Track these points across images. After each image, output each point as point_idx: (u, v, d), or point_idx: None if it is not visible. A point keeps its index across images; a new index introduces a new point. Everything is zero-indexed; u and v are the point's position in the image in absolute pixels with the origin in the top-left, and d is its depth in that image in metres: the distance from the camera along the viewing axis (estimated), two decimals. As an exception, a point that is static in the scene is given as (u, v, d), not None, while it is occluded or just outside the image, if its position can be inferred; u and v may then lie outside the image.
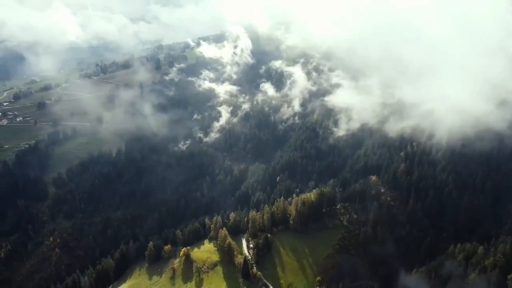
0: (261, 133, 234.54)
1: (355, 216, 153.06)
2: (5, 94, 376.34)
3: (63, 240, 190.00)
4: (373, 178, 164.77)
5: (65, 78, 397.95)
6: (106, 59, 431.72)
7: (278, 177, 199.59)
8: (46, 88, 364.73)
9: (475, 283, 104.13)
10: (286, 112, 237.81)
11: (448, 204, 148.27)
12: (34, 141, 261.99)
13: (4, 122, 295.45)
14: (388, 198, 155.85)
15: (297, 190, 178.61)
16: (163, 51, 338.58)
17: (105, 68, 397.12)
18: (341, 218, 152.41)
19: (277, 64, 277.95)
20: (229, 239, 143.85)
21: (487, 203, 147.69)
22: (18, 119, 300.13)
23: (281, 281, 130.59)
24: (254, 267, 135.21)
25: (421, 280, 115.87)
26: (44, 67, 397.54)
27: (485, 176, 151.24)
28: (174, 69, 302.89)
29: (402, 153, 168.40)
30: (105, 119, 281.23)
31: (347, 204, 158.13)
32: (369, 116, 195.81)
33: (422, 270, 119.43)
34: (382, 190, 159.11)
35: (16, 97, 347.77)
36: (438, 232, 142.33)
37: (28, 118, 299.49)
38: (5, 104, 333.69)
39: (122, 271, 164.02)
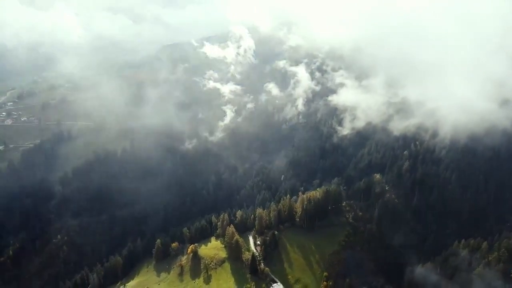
0: (265, 132, 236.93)
1: (360, 213, 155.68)
2: (8, 94, 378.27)
3: (71, 238, 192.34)
4: (377, 176, 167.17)
5: (67, 78, 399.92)
6: (108, 59, 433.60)
7: (283, 175, 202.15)
8: (50, 88, 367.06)
9: (480, 277, 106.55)
10: (290, 111, 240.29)
11: (452, 201, 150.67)
12: (39, 141, 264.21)
13: (9, 122, 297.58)
14: (393, 196, 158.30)
15: (302, 188, 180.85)
16: (166, 51, 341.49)
17: (107, 69, 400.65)
18: (347, 216, 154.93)
19: (280, 64, 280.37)
20: (236, 236, 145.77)
21: (490, 201, 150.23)
22: (22, 119, 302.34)
23: (289, 277, 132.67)
24: (262, 263, 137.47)
25: (427, 275, 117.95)
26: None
27: (488, 174, 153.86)
28: (179, 69, 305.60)
29: (406, 152, 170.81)
30: (110, 118, 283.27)
31: (352, 201, 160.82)
32: (373, 115, 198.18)
33: (427, 265, 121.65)
34: (387, 188, 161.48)
35: (20, 97, 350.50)
36: (442, 229, 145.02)
37: (33, 118, 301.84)
38: (9, 104, 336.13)
39: (130, 268, 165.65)
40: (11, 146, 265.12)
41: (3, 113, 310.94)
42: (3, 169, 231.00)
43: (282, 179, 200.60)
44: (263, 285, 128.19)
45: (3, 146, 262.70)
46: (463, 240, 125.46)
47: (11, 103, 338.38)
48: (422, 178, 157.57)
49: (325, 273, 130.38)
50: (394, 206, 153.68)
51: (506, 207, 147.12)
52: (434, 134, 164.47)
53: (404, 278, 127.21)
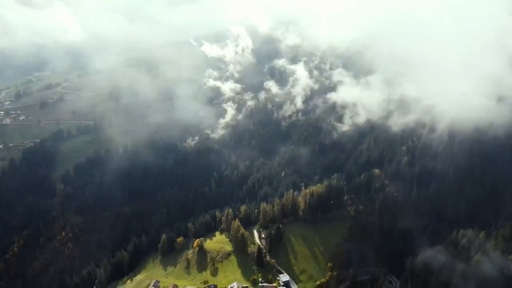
0: (265, 129, 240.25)
1: (362, 206, 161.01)
2: (3, 93, 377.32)
3: (75, 234, 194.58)
4: (377, 171, 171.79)
5: (64, 77, 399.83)
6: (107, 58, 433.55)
7: (283, 172, 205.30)
8: (47, 87, 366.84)
9: (479, 264, 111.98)
10: (289, 109, 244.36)
11: (449, 194, 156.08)
12: (39, 140, 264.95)
13: (8, 121, 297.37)
14: (392, 190, 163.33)
15: (302, 184, 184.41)
16: (166, 50, 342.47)
17: (103, 67, 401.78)
18: (348, 209, 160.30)
19: (280, 62, 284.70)
20: (242, 230, 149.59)
21: (485, 193, 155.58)
22: (21, 118, 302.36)
23: (295, 268, 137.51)
24: (268, 256, 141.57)
25: (427, 264, 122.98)
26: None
27: (483, 168, 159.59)
28: (178, 68, 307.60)
29: (404, 147, 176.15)
30: (109, 117, 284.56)
31: (353, 195, 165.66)
32: (371, 112, 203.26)
33: (428, 254, 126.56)
34: (386, 182, 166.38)
35: (18, 96, 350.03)
36: (440, 221, 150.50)
37: (31, 117, 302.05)
38: (6, 103, 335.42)
39: (136, 263, 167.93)
40: (11, 145, 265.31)
41: (1, 112, 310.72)
42: (4, 167, 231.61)
43: (282, 175, 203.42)
44: (270, 276, 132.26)
45: (2, 145, 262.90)
46: (461, 230, 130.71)
47: (8, 102, 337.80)
48: (421, 173, 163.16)
49: (329, 264, 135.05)
50: (394, 200, 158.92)
51: (501, 199, 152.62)
52: (432, 130, 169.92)
53: (405, 268, 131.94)
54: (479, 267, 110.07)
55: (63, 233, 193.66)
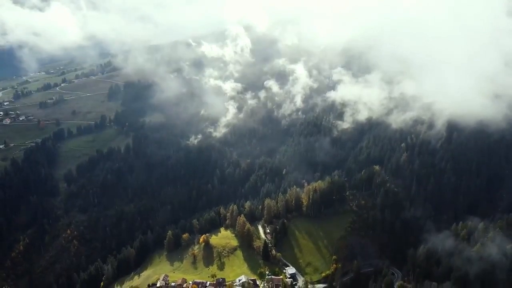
0: (266, 128, 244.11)
1: (363, 202, 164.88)
2: (1, 94, 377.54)
3: (80, 232, 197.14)
4: (377, 167, 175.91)
5: (62, 77, 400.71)
6: (102, 59, 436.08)
7: (285, 169, 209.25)
8: (46, 87, 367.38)
9: (479, 254, 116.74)
10: (289, 107, 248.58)
11: (448, 189, 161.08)
12: (40, 139, 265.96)
13: (7, 121, 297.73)
14: (393, 185, 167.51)
15: (304, 181, 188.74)
16: (165, 50, 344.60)
17: (102, 68, 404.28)
18: (350, 204, 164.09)
19: (280, 62, 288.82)
20: (248, 225, 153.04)
21: (482, 188, 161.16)
22: (21, 118, 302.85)
23: (300, 261, 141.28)
24: (274, 250, 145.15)
25: (428, 255, 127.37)
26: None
27: (479, 163, 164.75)
28: (178, 67, 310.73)
29: (403, 144, 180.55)
30: (109, 117, 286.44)
31: (354, 191, 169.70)
32: (371, 110, 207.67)
33: (429, 246, 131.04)
34: (387, 178, 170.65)
35: (16, 96, 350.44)
36: (439, 214, 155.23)
37: (31, 117, 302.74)
38: (5, 103, 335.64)
39: (142, 260, 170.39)
40: (12, 145, 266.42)
41: (1, 113, 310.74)
42: (7, 167, 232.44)
43: (284, 172, 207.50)
44: (277, 269, 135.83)
45: (3, 145, 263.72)
46: (460, 223, 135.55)
47: (7, 102, 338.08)
48: (420, 169, 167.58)
49: (333, 257, 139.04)
50: (395, 195, 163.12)
51: (498, 193, 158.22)
52: (430, 127, 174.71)
53: (406, 260, 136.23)
54: (480, 254, 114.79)
55: (68, 231, 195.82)
